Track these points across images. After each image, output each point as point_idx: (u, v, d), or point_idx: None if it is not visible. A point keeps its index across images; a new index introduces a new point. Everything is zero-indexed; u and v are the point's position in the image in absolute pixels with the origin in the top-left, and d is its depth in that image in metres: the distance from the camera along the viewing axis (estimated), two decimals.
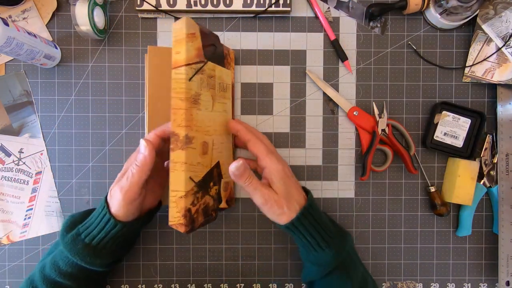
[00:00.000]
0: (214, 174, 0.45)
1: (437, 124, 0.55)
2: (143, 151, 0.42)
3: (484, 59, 0.54)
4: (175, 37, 0.40)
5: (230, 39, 0.55)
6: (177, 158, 0.39)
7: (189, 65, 0.39)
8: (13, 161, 0.55)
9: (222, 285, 0.56)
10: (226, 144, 0.49)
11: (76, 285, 0.45)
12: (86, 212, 0.48)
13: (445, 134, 0.55)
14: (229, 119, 0.48)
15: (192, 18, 0.55)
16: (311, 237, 0.44)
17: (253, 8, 0.53)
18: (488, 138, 0.55)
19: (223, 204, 0.48)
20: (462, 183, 0.53)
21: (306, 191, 0.47)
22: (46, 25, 0.54)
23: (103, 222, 0.43)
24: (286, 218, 0.44)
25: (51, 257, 0.45)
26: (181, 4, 0.53)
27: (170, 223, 0.39)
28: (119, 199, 0.42)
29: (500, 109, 0.55)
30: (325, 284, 0.47)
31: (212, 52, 0.46)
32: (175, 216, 0.39)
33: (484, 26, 0.54)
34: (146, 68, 0.52)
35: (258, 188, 0.42)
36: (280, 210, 0.43)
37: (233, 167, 0.40)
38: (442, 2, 0.51)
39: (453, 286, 0.57)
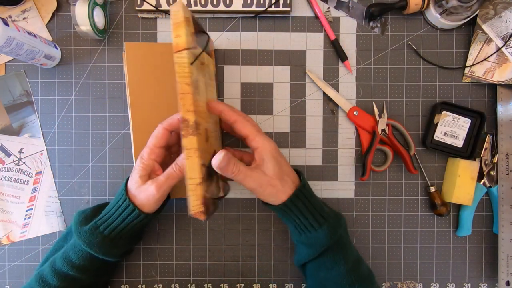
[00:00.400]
0: None
1: (437, 124, 0.55)
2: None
3: (484, 59, 0.54)
4: (174, 20, 0.39)
5: (230, 39, 0.55)
6: (190, 145, 0.38)
7: (189, 50, 0.39)
8: (13, 161, 0.55)
9: (222, 285, 0.56)
10: (216, 133, 0.49)
11: (86, 276, 0.46)
12: (95, 207, 0.49)
13: (445, 134, 0.55)
14: (210, 101, 0.47)
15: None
16: (304, 217, 0.44)
17: (253, 8, 0.53)
18: (488, 138, 0.55)
19: (220, 193, 0.48)
20: (462, 183, 0.53)
21: (298, 172, 0.47)
22: (46, 25, 0.54)
23: (125, 213, 0.45)
24: (283, 196, 0.43)
25: (61, 252, 0.46)
26: None
27: (191, 212, 0.38)
28: (153, 193, 0.44)
29: (500, 109, 0.55)
30: (317, 265, 0.46)
31: (201, 39, 0.46)
32: (195, 204, 0.38)
33: (484, 26, 0.54)
34: (124, 66, 0.52)
35: (248, 174, 0.41)
36: (274, 190, 0.43)
37: (215, 161, 0.39)
38: (442, 2, 0.51)
39: (453, 286, 0.57)
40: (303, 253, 0.47)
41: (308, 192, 0.46)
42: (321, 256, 0.45)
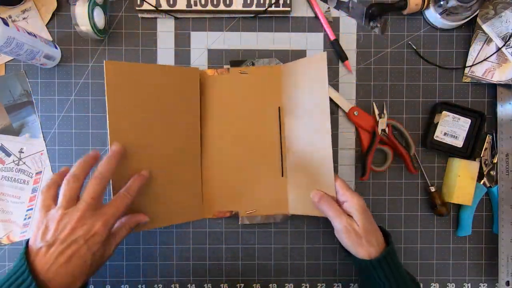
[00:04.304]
0: None
1: (437, 124, 0.55)
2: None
3: (484, 59, 0.54)
4: None
5: (230, 39, 0.55)
6: None
7: None
8: (13, 161, 0.55)
9: (222, 285, 0.56)
10: None
11: None
12: None
13: (445, 134, 0.55)
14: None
15: (192, 18, 0.55)
16: (388, 281, 0.43)
17: (253, 8, 0.53)
18: (488, 138, 0.55)
19: None
20: (462, 183, 0.53)
21: (385, 233, 0.47)
22: (46, 25, 0.54)
23: None
24: (365, 252, 0.44)
25: None
26: (181, 4, 0.53)
27: None
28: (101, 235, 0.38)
29: (500, 109, 0.55)
30: None
31: None
32: None
33: (484, 26, 0.54)
34: (105, 86, 0.45)
35: (339, 214, 0.45)
36: (359, 241, 0.44)
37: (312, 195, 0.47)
38: (442, 2, 0.51)
39: (453, 286, 0.57)
40: None
41: (396, 256, 0.45)
42: None
